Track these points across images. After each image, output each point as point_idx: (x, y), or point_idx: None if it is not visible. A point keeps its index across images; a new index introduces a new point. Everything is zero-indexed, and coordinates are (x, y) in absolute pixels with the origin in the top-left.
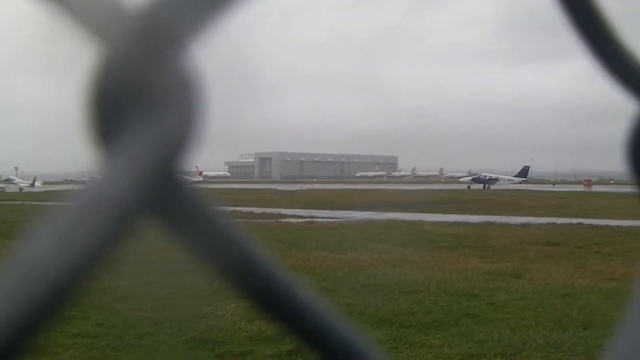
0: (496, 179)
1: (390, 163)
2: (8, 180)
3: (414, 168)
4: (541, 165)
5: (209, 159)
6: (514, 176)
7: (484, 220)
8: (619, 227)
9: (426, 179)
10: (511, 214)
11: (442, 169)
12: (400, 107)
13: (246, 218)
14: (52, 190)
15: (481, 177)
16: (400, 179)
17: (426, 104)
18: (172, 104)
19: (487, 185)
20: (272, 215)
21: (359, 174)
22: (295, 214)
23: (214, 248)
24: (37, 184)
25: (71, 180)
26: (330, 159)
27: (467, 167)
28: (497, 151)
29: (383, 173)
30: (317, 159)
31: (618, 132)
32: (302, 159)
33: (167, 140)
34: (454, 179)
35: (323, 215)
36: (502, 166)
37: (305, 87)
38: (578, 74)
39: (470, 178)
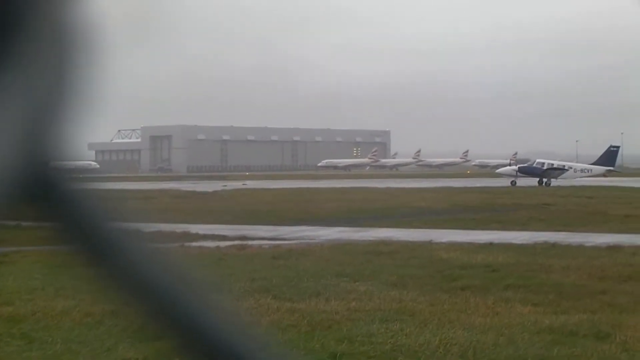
0: (561, 169)
1: (378, 143)
2: None
3: (419, 151)
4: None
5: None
6: (592, 163)
7: (541, 241)
8: None
9: (439, 170)
10: (588, 228)
11: (466, 152)
12: (397, 51)
13: None
14: None
15: (535, 165)
16: (395, 170)
17: (438, 50)
18: (47, 61)
19: (545, 180)
20: (173, 236)
21: (324, 162)
22: (214, 233)
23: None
24: None
25: None
26: (274, 137)
27: (509, 148)
28: (559, 120)
29: (365, 160)
30: (250, 137)
31: None
32: (225, 136)
33: (39, 110)
34: (486, 169)
35: (262, 234)
36: (570, 146)
37: (238, 19)
38: None
39: (515, 167)
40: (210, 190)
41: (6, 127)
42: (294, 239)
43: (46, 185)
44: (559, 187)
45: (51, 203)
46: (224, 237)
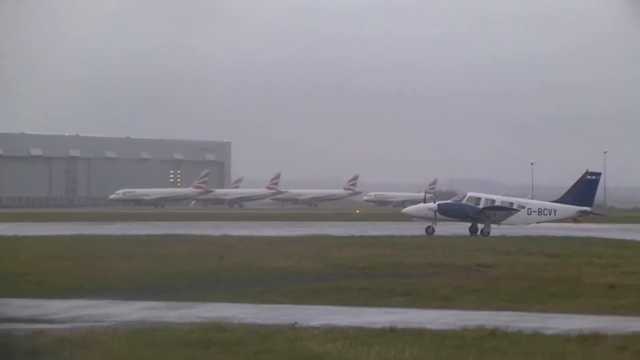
0: (508, 209)
1: (212, 163)
2: None
3: (277, 177)
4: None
5: None
6: (557, 200)
7: (473, 325)
8: None
9: (311, 207)
10: (549, 306)
11: (355, 180)
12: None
13: None
14: None
15: (465, 202)
16: (239, 208)
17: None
18: None
19: (481, 226)
20: None
21: (120, 192)
22: None
23: None
24: None
25: None
26: (36, 150)
27: (423, 174)
28: (502, 131)
29: (190, 191)
30: None
31: None
32: None
33: None
34: (386, 207)
35: (14, 313)
36: (521, 171)
37: None
38: None
39: (434, 205)
40: None
41: None
42: (67, 322)
43: None
44: (504, 238)
45: None
46: None
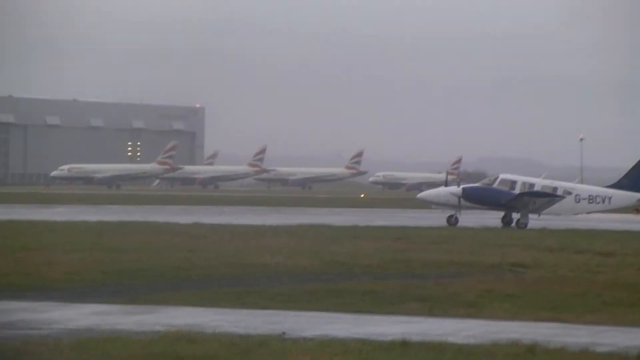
0: (550, 195)
1: (180, 132)
2: None
3: (262, 152)
4: None
5: None
6: (612, 185)
7: (507, 339)
8: None
9: (304, 189)
10: (601, 316)
11: (359, 156)
12: None
13: None
14: None
15: (496, 186)
16: (215, 189)
17: None
18: None
19: (517, 216)
20: None
21: (65, 167)
22: None
23: None
24: None
25: None
26: None
27: (445, 150)
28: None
29: (153, 167)
30: None
31: None
32: None
33: None
34: (398, 189)
35: None
36: (567, 148)
37: None
38: None
39: (458, 188)
40: None
41: None
42: None
43: None
44: (545, 231)
45: None
46: None
